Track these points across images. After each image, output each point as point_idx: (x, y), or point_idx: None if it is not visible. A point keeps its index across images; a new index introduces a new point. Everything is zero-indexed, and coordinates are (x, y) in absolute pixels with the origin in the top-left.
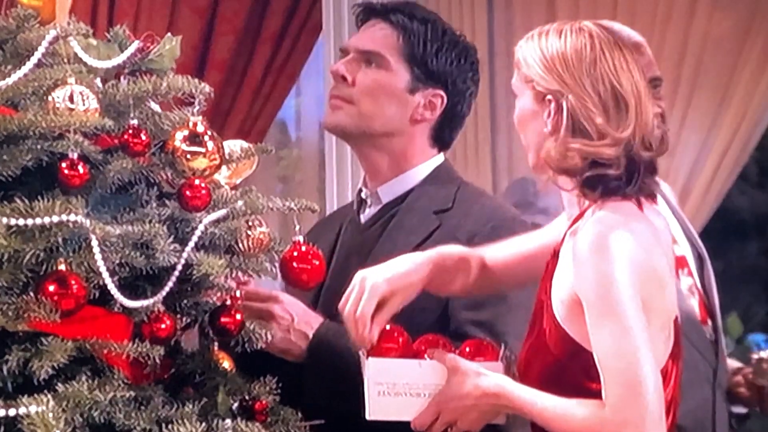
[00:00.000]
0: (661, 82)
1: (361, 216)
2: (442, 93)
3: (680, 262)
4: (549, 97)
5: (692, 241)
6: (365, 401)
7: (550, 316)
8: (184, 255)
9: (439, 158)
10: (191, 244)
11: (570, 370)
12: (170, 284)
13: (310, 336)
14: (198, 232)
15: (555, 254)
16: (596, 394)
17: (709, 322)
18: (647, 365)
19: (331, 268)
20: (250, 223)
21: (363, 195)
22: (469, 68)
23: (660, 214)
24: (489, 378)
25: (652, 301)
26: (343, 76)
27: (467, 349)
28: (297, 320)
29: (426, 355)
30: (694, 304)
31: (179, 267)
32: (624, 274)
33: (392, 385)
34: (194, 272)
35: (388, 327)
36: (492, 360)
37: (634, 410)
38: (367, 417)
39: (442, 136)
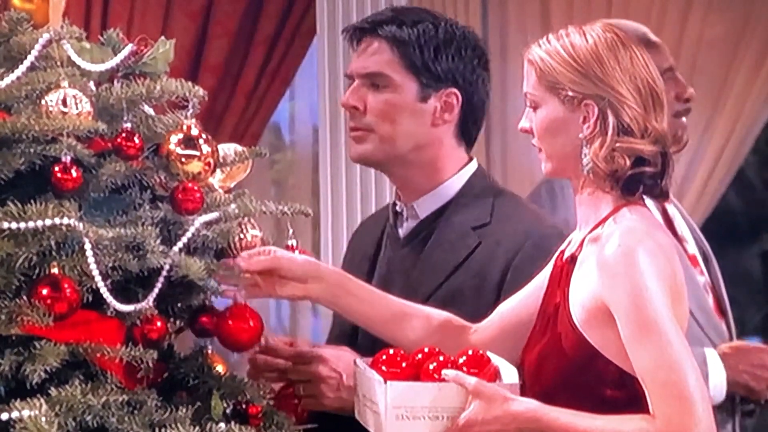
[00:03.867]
0: (673, 72)
1: (399, 230)
2: (455, 91)
3: (693, 261)
4: (587, 101)
5: (698, 240)
6: (381, 425)
7: (567, 320)
8: (171, 256)
9: (472, 166)
10: (179, 245)
11: (585, 375)
12: (159, 285)
13: None
14: (188, 234)
15: (572, 259)
16: (611, 402)
17: (723, 320)
18: (692, 375)
19: (372, 283)
20: (243, 226)
21: (398, 208)
22: (473, 55)
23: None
24: (520, 402)
25: (674, 312)
26: (354, 107)
27: (461, 360)
28: (346, 376)
29: (442, 374)
30: (710, 301)
31: (166, 268)
32: (657, 288)
33: (410, 408)
34: (176, 274)
35: (391, 351)
36: (486, 369)
37: (685, 421)
38: None
39: (468, 132)
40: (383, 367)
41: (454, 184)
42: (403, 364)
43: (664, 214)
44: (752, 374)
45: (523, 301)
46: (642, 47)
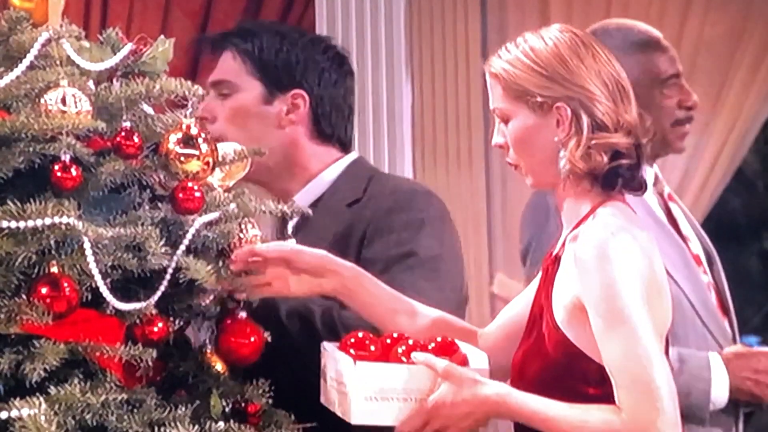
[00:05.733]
0: (679, 79)
1: (287, 228)
2: (301, 92)
3: (696, 260)
4: (558, 104)
5: (702, 240)
6: (349, 406)
7: (551, 320)
8: (175, 258)
9: (350, 157)
10: (182, 247)
11: (568, 374)
12: (162, 287)
13: None
14: (189, 235)
15: (556, 259)
16: (593, 399)
17: (726, 319)
18: (660, 370)
19: None
20: (243, 226)
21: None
22: (322, 59)
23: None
24: (489, 386)
25: (652, 308)
26: (203, 117)
27: (431, 346)
28: None
29: (411, 357)
30: (713, 300)
31: (170, 270)
32: (629, 279)
33: (380, 390)
34: (184, 276)
35: (360, 334)
36: (455, 355)
37: (650, 416)
38: (351, 422)
39: (324, 132)
40: (351, 350)
41: (329, 174)
42: (372, 348)
43: (668, 213)
44: (755, 380)
45: (525, 307)
46: (601, 44)
